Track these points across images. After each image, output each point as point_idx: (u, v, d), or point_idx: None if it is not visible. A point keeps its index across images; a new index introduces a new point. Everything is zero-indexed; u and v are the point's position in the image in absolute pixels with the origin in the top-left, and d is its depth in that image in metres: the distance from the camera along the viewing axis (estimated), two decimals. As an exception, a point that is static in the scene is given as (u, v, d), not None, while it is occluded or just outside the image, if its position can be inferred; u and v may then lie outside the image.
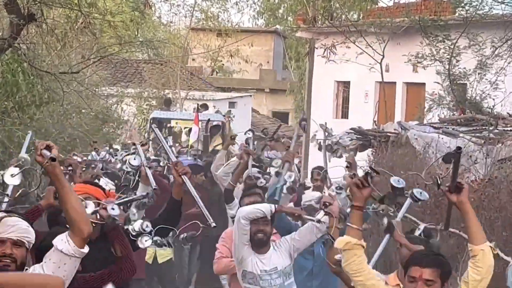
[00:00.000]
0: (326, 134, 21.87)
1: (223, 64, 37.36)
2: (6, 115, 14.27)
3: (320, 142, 19.82)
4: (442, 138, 16.84)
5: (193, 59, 36.52)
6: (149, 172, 8.25)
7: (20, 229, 4.12)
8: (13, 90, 13.95)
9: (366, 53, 25.82)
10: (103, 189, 7.18)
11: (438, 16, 23.59)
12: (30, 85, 14.23)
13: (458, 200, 4.58)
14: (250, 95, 33.90)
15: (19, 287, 3.49)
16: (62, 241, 4.12)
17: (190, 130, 22.66)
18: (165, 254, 14.32)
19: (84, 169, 14.33)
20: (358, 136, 19.62)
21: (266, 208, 8.55)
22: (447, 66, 20.94)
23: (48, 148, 4.10)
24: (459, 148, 5.20)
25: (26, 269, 4.17)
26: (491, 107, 20.14)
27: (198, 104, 24.43)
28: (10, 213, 4.57)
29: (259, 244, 8.89)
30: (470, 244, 4.42)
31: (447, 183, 4.80)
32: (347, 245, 4.45)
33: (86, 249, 4.28)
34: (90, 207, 5.13)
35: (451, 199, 4.80)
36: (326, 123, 23.36)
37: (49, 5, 16.13)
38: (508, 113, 18.63)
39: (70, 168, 10.63)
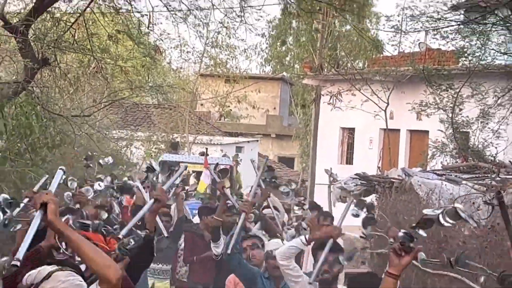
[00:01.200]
0: (331, 179, 22.40)
1: (230, 110, 37.65)
2: (19, 156, 14.27)
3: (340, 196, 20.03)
4: (445, 185, 16.37)
5: (202, 104, 37.18)
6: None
7: (72, 285, 3.68)
8: (26, 132, 14.00)
9: (371, 100, 26.58)
10: (105, 236, 7.03)
11: (442, 65, 24.09)
12: (43, 127, 14.36)
13: None
14: (257, 140, 34.53)
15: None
16: None
17: (198, 173, 23.50)
18: (162, 287, 13.77)
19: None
20: (363, 182, 19.46)
21: (298, 242, 8.34)
22: (450, 115, 21.43)
23: (44, 205, 3.78)
24: None
25: None
26: (494, 155, 20.39)
27: (206, 149, 24.68)
28: (63, 266, 4.03)
29: (324, 284, 8.47)
30: None
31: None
32: None
33: None
34: None
35: None
36: (331, 168, 23.57)
37: (62, 50, 16.40)
38: (510, 161, 18.94)
39: (78, 206, 10.56)
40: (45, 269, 3.86)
